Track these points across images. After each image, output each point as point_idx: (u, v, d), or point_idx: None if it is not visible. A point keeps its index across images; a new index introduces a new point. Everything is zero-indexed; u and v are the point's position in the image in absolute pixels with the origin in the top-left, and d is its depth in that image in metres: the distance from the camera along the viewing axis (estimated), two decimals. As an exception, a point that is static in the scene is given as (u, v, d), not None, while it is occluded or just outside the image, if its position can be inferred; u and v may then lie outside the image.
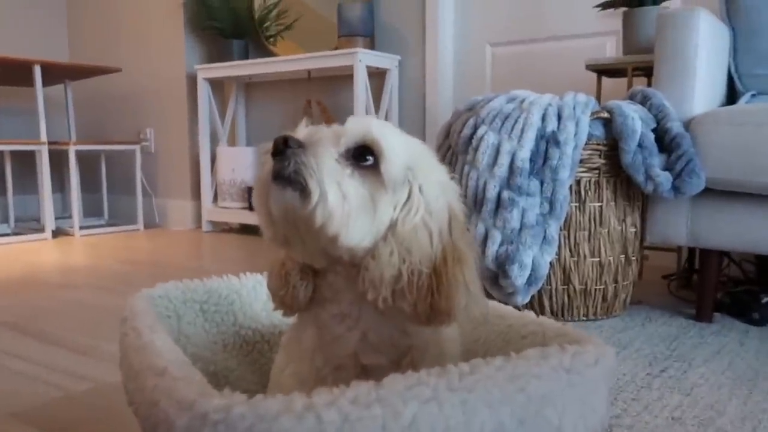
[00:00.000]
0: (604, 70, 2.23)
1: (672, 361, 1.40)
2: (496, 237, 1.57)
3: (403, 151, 0.62)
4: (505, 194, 1.56)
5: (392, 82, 3.13)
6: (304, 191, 0.55)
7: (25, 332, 1.63)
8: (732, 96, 1.87)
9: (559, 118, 1.59)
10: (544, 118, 1.59)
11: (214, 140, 3.61)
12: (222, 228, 3.67)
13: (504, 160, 1.57)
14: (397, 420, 0.42)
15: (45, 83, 3.31)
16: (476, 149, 1.61)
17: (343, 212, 0.56)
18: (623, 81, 2.23)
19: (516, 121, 1.60)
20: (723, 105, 1.83)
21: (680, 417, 1.12)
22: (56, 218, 3.47)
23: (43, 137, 3.24)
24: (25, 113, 3.74)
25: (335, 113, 3.30)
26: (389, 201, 0.60)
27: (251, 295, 0.84)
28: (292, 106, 3.53)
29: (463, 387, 0.45)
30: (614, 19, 2.51)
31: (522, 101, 1.66)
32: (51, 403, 1.18)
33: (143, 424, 0.50)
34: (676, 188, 1.57)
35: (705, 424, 1.09)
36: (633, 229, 1.73)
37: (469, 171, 1.61)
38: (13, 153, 3.56)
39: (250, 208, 3.39)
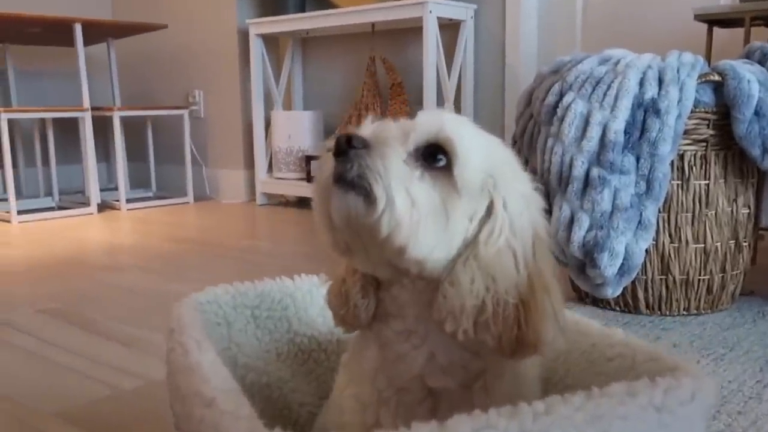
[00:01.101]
0: (716, 21, 2.14)
1: (789, 367, 1.36)
2: (584, 221, 1.54)
3: (481, 153, 0.61)
4: (595, 172, 1.53)
5: (467, 35, 3.09)
6: (368, 197, 0.55)
7: (71, 321, 1.71)
8: None
9: (660, 82, 1.54)
10: (642, 83, 1.55)
11: (268, 103, 3.66)
12: (278, 201, 3.73)
13: (594, 133, 1.53)
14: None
15: (86, 43, 3.42)
16: (562, 120, 1.57)
17: (411, 221, 0.55)
18: (739, 32, 2.14)
19: (609, 87, 1.56)
20: None
21: (796, 436, 1.09)
22: (101, 190, 3.61)
23: (86, 103, 3.36)
24: (67, 76, 3.88)
25: (402, 71, 3.29)
26: (464, 209, 0.59)
27: (306, 299, 0.86)
28: (354, 64, 3.53)
29: (537, 430, 0.45)
30: (729, -43, 2.40)
31: (616, 63, 1.61)
32: (98, 402, 1.24)
33: (190, 452, 0.52)
34: (799, 164, 1.51)
35: (826, 448, 1.06)
36: (746, 210, 1.66)
37: (554, 145, 1.58)
38: (55, 120, 3.71)
39: (308, 179, 3.43)
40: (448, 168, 0.58)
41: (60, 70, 3.99)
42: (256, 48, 3.55)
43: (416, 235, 0.56)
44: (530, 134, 1.69)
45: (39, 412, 1.20)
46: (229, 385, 0.53)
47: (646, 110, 1.53)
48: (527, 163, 1.73)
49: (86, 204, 3.44)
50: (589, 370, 0.65)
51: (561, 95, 1.61)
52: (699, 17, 2.11)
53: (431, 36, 2.95)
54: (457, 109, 3.13)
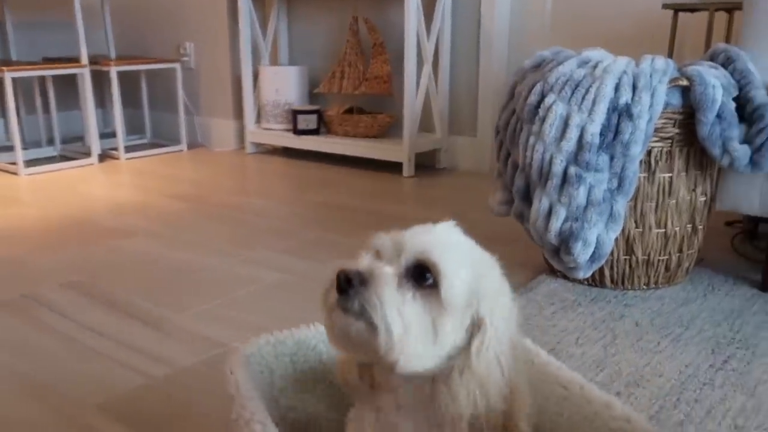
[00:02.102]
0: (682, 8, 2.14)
1: (735, 348, 1.44)
2: (561, 213, 1.58)
3: (466, 272, 0.62)
4: (572, 170, 1.56)
5: (444, 0, 3.03)
6: (370, 324, 0.59)
7: (94, 296, 1.73)
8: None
9: (634, 88, 1.55)
10: (617, 88, 1.56)
11: (256, 57, 3.58)
12: (265, 149, 3.71)
13: (573, 134, 1.55)
14: None
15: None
16: (543, 120, 1.59)
17: (403, 342, 0.59)
18: (700, 15, 2.14)
19: (587, 91, 1.57)
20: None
21: (743, 425, 1.17)
22: (100, 135, 3.53)
23: (84, 59, 3.26)
24: (62, 26, 3.72)
25: (384, 31, 3.23)
26: (452, 324, 0.61)
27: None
28: (337, 22, 3.45)
29: None
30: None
31: (595, 66, 1.61)
32: (134, 392, 1.27)
33: None
34: (754, 163, 1.55)
35: (770, 436, 1.14)
36: (703, 198, 1.72)
37: (535, 143, 1.60)
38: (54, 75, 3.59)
39: (295, 130, 3.41)
40: (436, 287, 0.60)
41: (56, 20, 3.82)
42: (245, 6, 3.45)
43: (408, 353, 0.59)
44: (513, 129, 1.70)
45: (84, 405, 1.23)
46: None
47: (620, 114, 1.55)
48: (509, 155, 1.75)
49: (88, 154, 3.38)
50: (593, 430, 0.70)
51: (543, 96, 1.62)
52: (667, 6, 2.10)
53: (412, 1, 2.90)
54: (435, 69, 3.10)
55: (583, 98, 1.57)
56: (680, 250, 1.73)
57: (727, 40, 2.15)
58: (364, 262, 0.62)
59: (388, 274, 0.60)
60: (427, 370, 0.62)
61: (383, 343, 0.58)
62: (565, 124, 1.57)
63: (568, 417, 0.74)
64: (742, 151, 1.54)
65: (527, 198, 1.69)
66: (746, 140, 1.56)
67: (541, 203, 1.61)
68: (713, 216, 2.26)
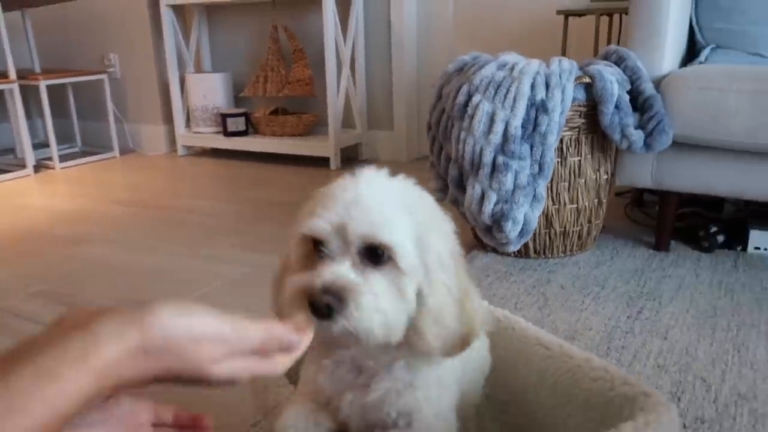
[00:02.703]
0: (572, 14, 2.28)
1: (645, 300, 1.59)
2: (492, 197, 1.68)
3: (411, 235, 0.60)
4: (500, 159, 1.65)
5: (357, 9, 3.08)
6: (353, 329, 0.56)
7: (65, 303, 1.67)
8: (692, 47, 1.96)
9: (547, 86, 1.66)
10: (533, 87, 1.66)
11: (181, 65, 3.49)
12: (195, 152, 3.64)
13: (498, 128, 1.65)
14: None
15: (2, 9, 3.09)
16: (472, 117, 1.67)
17: (387, 326, 0.58)
18: (589, 19, 2.29)
19: (508, 90, 1.66)
20: (685, 57, 1.92)
21: (663, 364, 1.30)
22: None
23: (12, 75, 3.08)
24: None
25: (303, 39, 3.23)
26: (413, 283, 0.60)
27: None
28: (257, 30, 3.42)
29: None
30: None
31: (512, 69, 1.71)
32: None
33: None
34: (647, 145, 1.69)
35: (684, 371, 1.27)
36: (605, 176, 1.86)
37: (466, 137, 1.68)
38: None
39: (225, 132, 3.37)
40: (393, 259, 0.58)
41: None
42: (167, 17, 3.35)
43: (390, 332, 0.59)
44: (444, 126, 1.78)
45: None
46: None
47: (537, 109, 1.65)
48: (442, 148, 1.83)
49: (23, 166, 3.21)
50: (575, 386, 0.78)
51: (470, 96, 1.70)
52: (560, 12, 2.23)
53: (329, 9, 2.92)
54: (353, 71, 3.14)
55: (505, 96, 1.66)
56: (589, 221, 1.87)
57: (609, 40, 2.31)
58: (326, 275, 0.57)
59: (357, 284, 0.57)
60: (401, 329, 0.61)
61: (373, 342, 0.58)
62: (492, 120, 1.66)
63: (552, 373, 0.82)
64: (637, 136, 1.68)
65: (461, 186, 1.77)
66: (640, 126, 1.70)
67: (474, 189, 1.70)
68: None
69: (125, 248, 2.10)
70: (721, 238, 1.89)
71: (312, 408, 0.68)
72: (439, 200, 1.94)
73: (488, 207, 1.68)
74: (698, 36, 1.93)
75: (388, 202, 0.60)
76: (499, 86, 1.68)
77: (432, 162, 1.91)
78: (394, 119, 3.19)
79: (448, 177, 1.80)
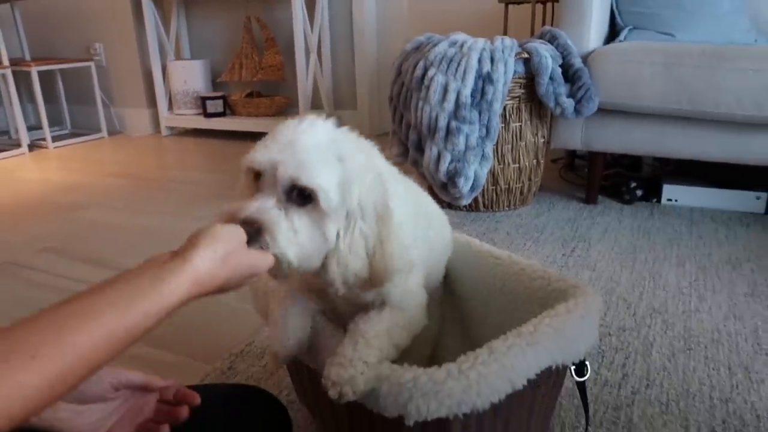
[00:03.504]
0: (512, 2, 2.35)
1: (577, 242, 1.69)
2: (447, 157, 1.75)
3: (336, 178, 0.60)
4: (453, 124, 1.72)
5: (323, 1, 3.08)
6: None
7: (76, 257, 1.69)
8: (613, 28, 2.05)
9: (492, 60, 1.73)
10: (480, 61, 1.73)
11: (162, 53, 3.46)
12: (178, 132, 3.61)
13: (451, 97, 1.71)
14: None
15: (-8, 6, 3.02)
16: (428, 88, 1.73)
17: (303, 257, 0.60)
18: (526, 8, 2.36)
19: (459, 64, 1.73)
20: (607, 37, 2.01)
21: (592, 289, 1.40)
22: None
23: (5, 61, 3.01)
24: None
25: (274, 28, 3.23)
26: (334, 224, 0.61)
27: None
28: (232, 21, 3.40)
29: (534, 341, 0.66)
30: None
31: (461, 45, 1.77)
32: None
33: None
34: (577, 111, 1.78)
35: (609, 293, 1.38)
36: (543, 140, 1.95)
37: (423, 106, 1.75)
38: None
39: (205, 114, 3.36)
40: (317, 200, 0.59)
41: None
42: (148, 8, 3.30)
43: (309, 262, 0.61)
44: (404, 97, 1.84)
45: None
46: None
47: (484, 80, 1.72)
48: (402, 117, 1.89)
49: (18, 146, 3.15)
50: (519, 285, 0.86)
51: (425, 69, 1.76)
52: (501, 1, 2.30)
53: (298, 2, 2.93)
54: (319, 57, 3.17)
55: (456, 69, 1.73)
56: (530, 179, 1.96)
57: (544, 24, 2.39)
58: (250, 207, 0.59)
59: (273, 218, 0.58)
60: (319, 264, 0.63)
61: (285, 266, 0.59)
62: (445, 90, 1.72)
63: (500, 277, 0.89)
64: (568, 104, 1.77)
65: (420, 148, 1.84)
66: (570, 95, 1.79)
67: (431, 151, 1.77)
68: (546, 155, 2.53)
69: (120, 212, 2.11)
70: (639, 192, 2.01)
71: (304, 292, 0.74)
72: (400, 164, 1.99)
73: (444, 166, 1.75)
74: (618, 18, 2.02)
75: (319, 148, 0.60)
76: (451, 61, 1.74)
77: (394, 130, 1.97)
78: (357, 99, 3.23)
79: (409, 142, 1.86)
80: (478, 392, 0.61)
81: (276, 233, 0.57)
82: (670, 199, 2.00)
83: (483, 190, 1.90)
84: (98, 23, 3.55)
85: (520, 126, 1.86)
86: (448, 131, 1.73)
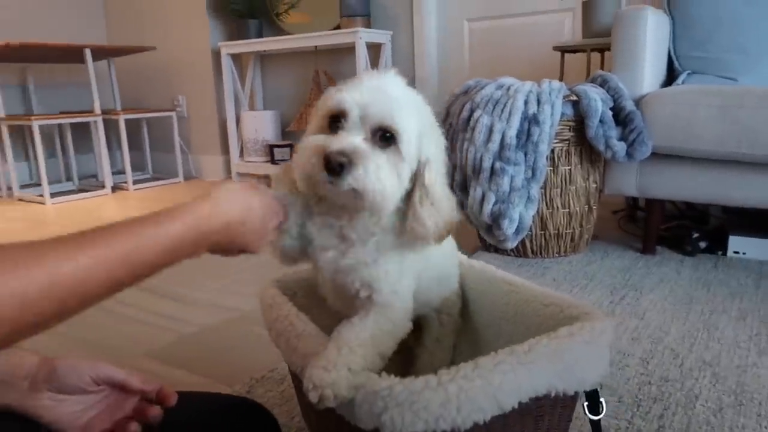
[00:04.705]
0: (567, 50, 2.32)
1: (627, 290, 1.58)
2: (491, 198, 1.71)
3: (416, 126, 0.63)
4: (498, 165, 1.69)
5: (386, 53, 3.18)
6: (358, 192, 0.60)
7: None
8: (671, 73, 1.98)
9: (539, 102, 1.71)
10: (526, 103, 1.71)
11: (237, 104, 3.65)
12: (247, 179, 3.76)
13: (496, 138, 1.69)
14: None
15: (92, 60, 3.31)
16: (473, 129, 1.72)
17: (384, 197, 0.61)
18: (582, 56, 2.33)
19: (504, 106, 1.71)
20: (664, 81, 1.94)
21: (638, 338, 1.30)
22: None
23: (97, 110, 3.27)
24: (74, 84, 3.75)
25: (339, 81, 3.34)
26: (408, 168, 0.63)
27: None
28: (302, 75, 3.56)
29: (528, 361, 0.61)
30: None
31: (508, 88, 1.76)
32: (171, 345, 1.33)
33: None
34: (629, 155, 1.71)
35: (656, 342, 1.27)
36: (594, 185, 1.87)
37: (468, 146, 1.73)
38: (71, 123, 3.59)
39: (272, 161, 3.48)
40: (397, 143, 0.62)
41: (68, 79, 3.82)
42: (227, 64, 3.52)
43: (386, 203, 0.62)
44: (450, 139, 1.83)
45: (132, 354, 1.28)
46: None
47: (530, 122, 1.69)
48: (449, 158, 1.88)
49: (102, 186, 3.38)
50: (532, 311, 0.80)
51: (472, 111, 1.76)
52: (556, 48, 2.29)
53: (362, 55, 3.03)
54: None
55: (502, 111, 1.71)
56: (581, 225, 1.87)
57: (603, 72, 2.34)
58: (343, 141, 0.60)
59: (367, 152, 0.60)
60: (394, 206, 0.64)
61: (371, 204, 0.61)
62: (490, 131, 1.70)
63: (513, 305, 0.84)
64: (619, 146, 1.71)
65: (465, 189, 1.81)
66: (622, 138, 1.72)
67: (476, 191, 1.73)
68: (602, 205, 2.43)
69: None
70: (703, 244, 1.88)
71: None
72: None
73: (487, 207, 1.71)
74: (676, 64, 1.95)
75: (404, 97, 0.64)
76: (497, 103, 1.73)
77: (441, 172, 1.95)
78: (417, 150, 3.26)
79: (454, 183, 1.84)
80: (458, 408, 0.57)
81: (369, 166, 0.59)
82: (737, 252, 1.85)
83: (531, 235, 1.83)
84: (183, 77, 3.81)
85: (570, 170, 1.80)
86: (493, 172, 1.70)
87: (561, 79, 2.34)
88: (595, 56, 2.36)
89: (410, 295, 0.71)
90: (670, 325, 1.36)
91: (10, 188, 3.31)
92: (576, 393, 0.70)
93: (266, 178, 3.57)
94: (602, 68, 2.32)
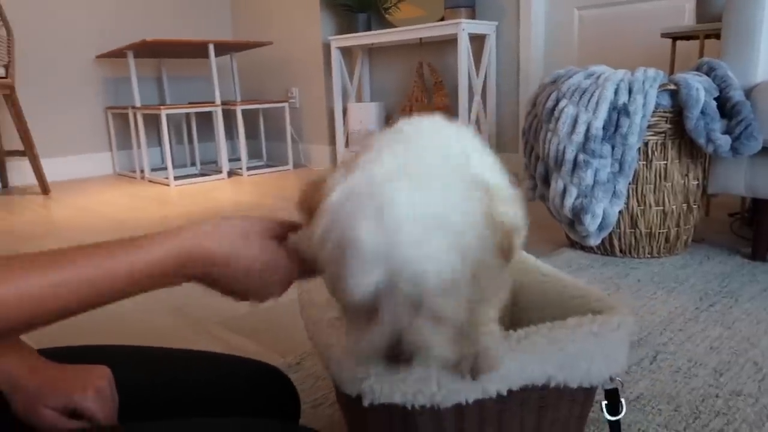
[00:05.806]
0: (679, 37, 2.14)
1: (721, 297, 1.44)
2: (573, 192, 1.63)
3: (448, 265, 0.46)
4: (581, 157, 1.61)
5: (490, 45, 3.12)
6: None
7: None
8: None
9: (630, 91, 1.60)
10: (616, 92, 1.60)
11: (345, 97, 3.77)
12: (353, 168, 3.87)
13: (581, 129, 1.61)
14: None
15: (216, 55, 3.58)
16: (557, 119, 1.65)
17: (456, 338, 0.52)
18: (695, 43, 2.14)
19: (592, 95, 1.62)
20: (787, 70, 1.73)
21: (718, 347, 1.18)
22: (228, 160, 3.81)
23: (218, 101, 3.53)
24: (199, 78, 4.08)
25: (443, 73, 3.34)
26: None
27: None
28: (407, 66, 3.60)
29: (520, 348, 0.58)
30: (693, -16, 2.37)
31: (598, 77, 1.67)
32: (243, 316, 1.42)
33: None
34: (734, 149, 1.55)
35: (738, 354, 1.15)
36: (695, 182, 1.72)
37: (551, 137, 1.67)
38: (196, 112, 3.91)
39: (375, 152, 3.55)
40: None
41: (192, 74, 4.16)
42: (336, 57, 3.64)
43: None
44: (535, 129, 1.77)
45: (208, 322, 1.38)
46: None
47: (619, 112, 1.59)
48: (533, 150, 1.82)
49: (219, 172, 3.64)
50: (560, 304, 0.77)
51: (557, 101, 1.68)
52: (665, 35, 2.12)
53: (464, 47, 2.99)
54: (483, 99, 3.19)
55: (589, 101, 1.62)
56: (678, 225, 1.73)
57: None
58: (389, 333, 0.48)
59: (424, 341, 0.49)
60: None
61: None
62: (575, 122, 1.62)
63: (545, 292, 0.80)
64: (723, 140, 1.55)
65: (547, 181, 1.74)
66: (727, 131, 1.57)
67: (557, 184, 1.66)
68: (717, 206, 2.23)
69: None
70: (826, 253, 1.66)
71: None
72: (530, 199, 1.91)
73: (569, 201, 1.64)
74: (803, 49, 1.73)
75: (428, 240, 0.45)
76: (584, 92, 1.64)
77: (525, 163, 1.90)
78: (519, 142, 3.17)
79: (536, 174, 1.78)
80: (439, 385, 0.56)
81: (432, 350, 0.50)
82: None
83: (620, 233, 1.72)
84: (296, 70, 4.00)
85: (666, 165, 1.67)
86: (575, 164, 1.62)
87: (672, 67, 2.17)
88: (711, 43, 2.15)
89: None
90: (761, 337, 1.22)
91: (142, 171, 3.68)
92: (588, 388, 0.66)
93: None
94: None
